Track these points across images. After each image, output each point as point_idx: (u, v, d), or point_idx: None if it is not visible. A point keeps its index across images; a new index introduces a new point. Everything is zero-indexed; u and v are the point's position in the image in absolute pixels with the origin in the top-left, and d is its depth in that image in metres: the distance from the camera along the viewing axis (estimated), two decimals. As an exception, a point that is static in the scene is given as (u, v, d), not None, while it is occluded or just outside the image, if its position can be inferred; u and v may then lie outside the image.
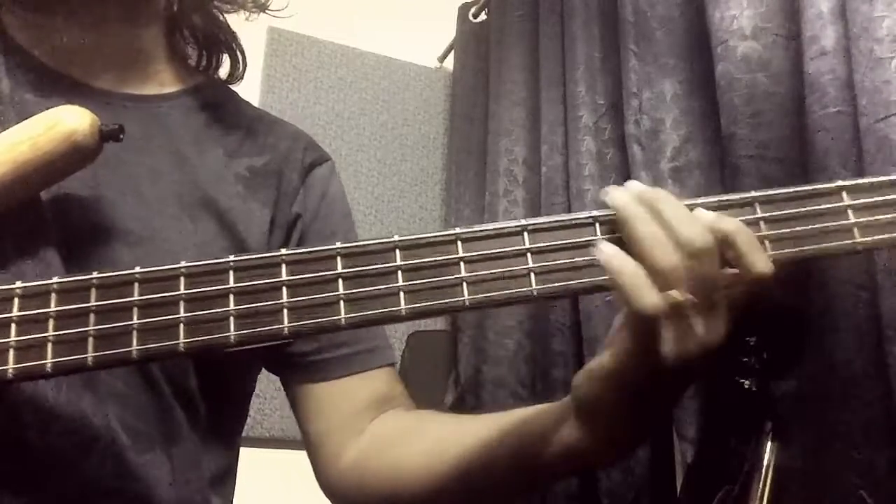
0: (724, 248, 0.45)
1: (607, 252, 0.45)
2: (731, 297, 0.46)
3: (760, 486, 1.02)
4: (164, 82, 0.69)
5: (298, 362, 0.67)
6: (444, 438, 0.61)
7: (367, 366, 0.68)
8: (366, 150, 2.15)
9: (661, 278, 0.44)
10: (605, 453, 0.52)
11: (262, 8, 0.74)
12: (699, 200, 0.48)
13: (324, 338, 0.67)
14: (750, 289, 0.46)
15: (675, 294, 0.44)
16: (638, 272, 0.44)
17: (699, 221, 0.45)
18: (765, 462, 1.02)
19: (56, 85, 0.62)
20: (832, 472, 0.90)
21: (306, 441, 0.68)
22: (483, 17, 2.13)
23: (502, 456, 0.55)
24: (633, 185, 0.47)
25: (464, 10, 2.20)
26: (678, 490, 1.24)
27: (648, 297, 0.44)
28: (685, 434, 1.13)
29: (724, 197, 0.48)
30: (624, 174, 1.34)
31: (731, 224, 0.45)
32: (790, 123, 1.01)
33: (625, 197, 0.46)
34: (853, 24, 0.89)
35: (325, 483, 0.67)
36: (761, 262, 0.45)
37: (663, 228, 0.45)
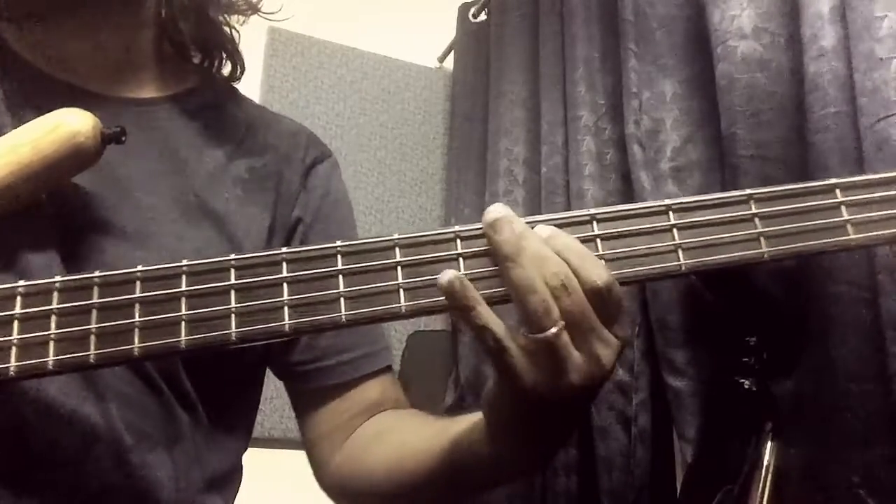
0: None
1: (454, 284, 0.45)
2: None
3: (760, 486, 1.02)
4: (158, 86, 0.69)
5: (297, 371, 0.69)
6: (403, 445, 0.63)
7: (361, 372, 0.69)
8: (366, 150, 2.15)
9: (530, 320, 0.44)
10: (513, 469, 0.53)
11: (255, 9, 0.74)
12: (696, 198, 0.48)
13: (322, 346, 0.68)
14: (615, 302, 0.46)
15: (547, 333, 0.44)
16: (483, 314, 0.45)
17: (599, 261, 0.46)
18: (765, 462, 1.02)
19: (51, 89, 0.62)
20: (832, 472, 0.90)
21: (305, 445, 0.71)
22: (483, 17, 2.13)
23: (441, 467, 0.57)
24: (494, 212, 0.47)
25: (464, 10, 2.20)
26: (678, 490, 1.24)
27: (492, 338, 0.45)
28: (685, 434, 1.13)
29: (720, 195, 0.48)
30: (624, 174, 1.34)
31: (562, 241, 0.46)
32: (790, 123, 1.01)
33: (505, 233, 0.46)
34: (853, 24, 0.89)
35: (321, 485, 0.71)
36: (596, 272, 0.45)
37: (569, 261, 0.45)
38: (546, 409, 0.46)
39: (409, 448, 0.61)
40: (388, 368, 0.72)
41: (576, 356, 0.45)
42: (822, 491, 0.93)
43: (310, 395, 0.70)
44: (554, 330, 0.44)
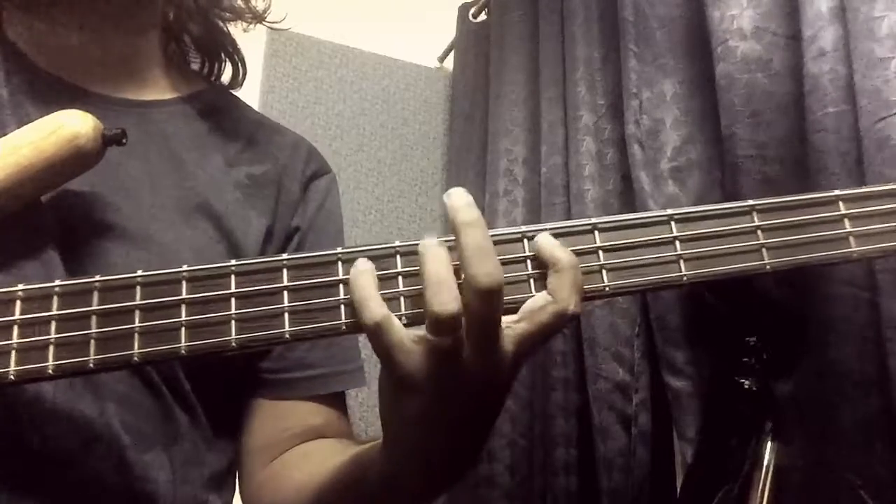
0: (550, 273, 0.45)
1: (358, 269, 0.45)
2: (522, 331, 0.44)
3: (760, 486, 1.02)
4: (162, 88, 0.69)
5: (262, 378, 0.67)
6: (317, 467, 0.61)
7: (327, 389, 0.68)
8: (366, 150, 2.15)
9: (432, 323, 0.43)
10: (414, 484, 0.50)
11: (260, 19, 0.74)
12: (699, 208, 0.48)
13: (294, 357, 0.67)
14: (554, 323, 0.45)
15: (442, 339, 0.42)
16: (366, 299, 0.44)
17: (492, 259, 0.43)
18: (765, 462, 1.03)
19: (54, 90, 0.62)
20: (832, 472, 0.90)
21: (237, 453, 0.68)
22: (483, 17, 2.13)
23: (339, 487, 0.56)
24: (455, 197, 0.46)
25: (464, 10, 2.20)
26: (678, 490, 1.24)
27: (367, 317, 0.43)
28: (685, 434, 1.13)
29: (723, 206, 0.48)
30: (624, 174, 1.34)
31: (566, 259, 0.45)
32: (790, 123, 1.01)
33: (430, 243, 0.45)
34: (853, 24, 0.89)
35: (242, 496, 0.68)
36: (574, 303, 0.44)
37: (460, 259, 0.44)
38: (435, 415, 0.45)
39: (321, 470, 0.59)
40: (343, 395, 0.70)
41: (468, 360, 0.43)
42: (822, 491, 0.93)
43: (259, 404, 0.68)
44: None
